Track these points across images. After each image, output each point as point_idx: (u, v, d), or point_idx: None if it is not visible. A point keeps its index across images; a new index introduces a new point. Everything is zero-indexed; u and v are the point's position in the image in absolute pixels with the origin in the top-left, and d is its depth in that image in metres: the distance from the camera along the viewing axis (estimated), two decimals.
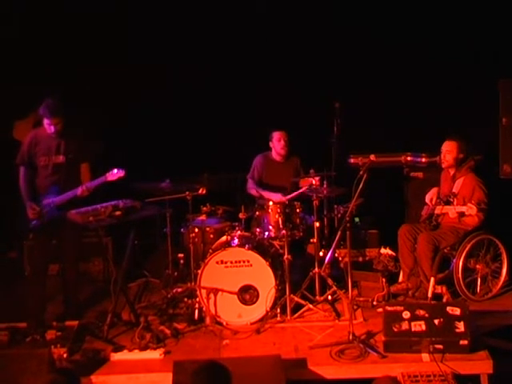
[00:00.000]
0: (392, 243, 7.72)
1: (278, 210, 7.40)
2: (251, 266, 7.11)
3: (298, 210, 7.49)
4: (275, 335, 6.86)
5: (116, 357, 6.44)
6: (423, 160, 8.54)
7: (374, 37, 9.17)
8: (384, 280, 7.48)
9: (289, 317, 7.11)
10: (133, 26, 9.15)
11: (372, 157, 7.20)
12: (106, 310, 7.05)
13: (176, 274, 7.97)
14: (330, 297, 7.44)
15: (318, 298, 7.44)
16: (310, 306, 7.23)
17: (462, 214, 7.36)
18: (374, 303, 7.33)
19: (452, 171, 7.61)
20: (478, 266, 7.50)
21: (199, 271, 7.16)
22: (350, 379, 6.19)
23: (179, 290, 7.63)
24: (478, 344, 6.29)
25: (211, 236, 7.87)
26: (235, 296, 7.11)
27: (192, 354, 6.52)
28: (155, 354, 6.48)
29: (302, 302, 7.25)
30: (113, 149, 8.51)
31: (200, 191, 7.71)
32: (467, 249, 7.40)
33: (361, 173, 6.85)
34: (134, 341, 6.66)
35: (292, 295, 7.17)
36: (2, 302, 7.70)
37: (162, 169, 8.04)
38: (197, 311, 7.13)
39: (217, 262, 7.13)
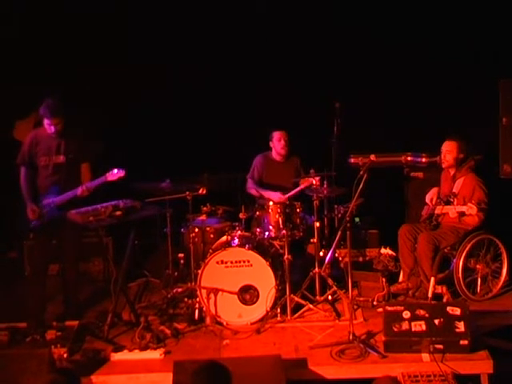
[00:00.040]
0: (392, 243, 7.73)
1: (279, 210, 7.40)
2: (251, 266, 7.11)
3: (298, 210, 7.49)
4: (275, 335, 6.86)
5: (116, 357, 6.44)
6: (423, 160, 8.54)
7: (374, 37, 9.16)
8: (384, 280, 7.48)
9: (289, 317, 7.11)
10: (133, 26, 9.15)
11: (372, 157, 7.19)
12: (106, 310, 7.05)
13: (176, 273, 7.97)
14: (330, 297, 7.44)
15: (318, 298, 7.45)
16: (311, 305, 7.24)
17: (462, 214, 7.36)
18: (374, 303, 7.33)
19: (452, 171, 7.61)
20: (478, 266, 7.50)
21: (199, 271, 7.16)
22: (350, 379, 6.19)
23: (179, 289, 7.63)
24: (478, 344, 6.29)
25: (211, 236, 7.87)
26: (235, 296, 7.11)
27: (192, 354, 6.52)
28: (155, 354, 6.48)
29: (303, 301, 7.25)
30: (113, 149, 8.50)
31: (200, 191, 7.71)
32: (467, 249, 7.40)
33: (361, 173, 6.85)
34: (135, 341, 6.66)
35: (292, 295, 7.17)
36: (2, 301, 7.70)
37: (162, 169, 8.04)
38: (197, 311, 7.13)
39: (217, 262, 7.13)
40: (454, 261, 7.42)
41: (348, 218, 6.95)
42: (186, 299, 7.43)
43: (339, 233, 7.05)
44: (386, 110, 9.21)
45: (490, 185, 7.48)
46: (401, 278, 7.59)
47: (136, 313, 7.07)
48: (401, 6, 9.04)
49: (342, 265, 7.82)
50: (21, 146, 7.24)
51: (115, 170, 7.02)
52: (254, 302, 7.11)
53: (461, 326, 6.25)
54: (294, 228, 7.42)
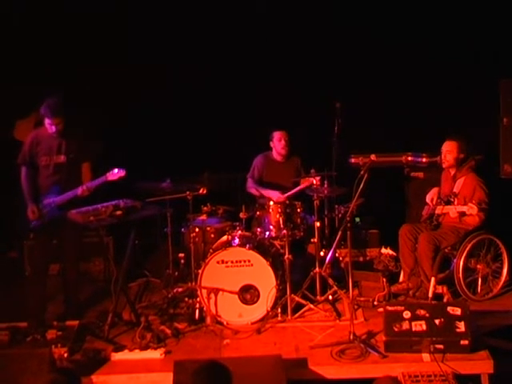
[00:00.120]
0: (393, 243, 7.73)
1: (279, 210, 7.41)
2: (252, 265, 7.11)
3: (298, 210, 7.50)
4: (276, 335, 6.86)
5: (117, 356, 6.44)
6: (424, 160, 8.55)
7: (374, 37, 9.16)
8: (385, 280, 7.48)
9: (289, 317, 7.11)
10: (133, 26, 9.15)
11: (373, 157, 7.18)
12: (106, 310, 7.04)
13: (177, 273, 7.97)
14: (330, 297, 7.44)
15: (318, 297, 7.45)
16: (311, 305, 7.23)
17: (462, 214, 7.36)
18: (375, 303, 7.33)
19: (453, 171, 7.61)
20: (478, 266, 7.50)
21: (200, 271, 7.15)
22: (350, 379, 6.18)
23: (180, 289, 7.63)
24: (478, 344, 6.29)
25: (212, 236, 7.87)
26: (236, 296, 7.11)
27: (193, 353, 6.51)
28: (156, 354, 6.47)
29: (303, 301, 7.25)
30: (113, 149, 8.50)
31: (201, 191, 7.71)
32: (468, 249, 7.40)
33: (361, 173, 6.83)
34: (135, 340, 6.65)
35: (293, 295, 7.16)
36: (2, 301, 7.69)
37: (163, 168, 8.03)
38: (197, 311, 7.12)
39: (217, 262, 7.13)
40: (455, 261, 7.42)
41: (348, 218, 6.93)
42: (186, 299, 7.43)
43: (340, 233, 7.04)
44: (386, 109, 9.22)
45: (490, 185, 7.48)
46: (401, 278, 7.59)
47: (136, 313, 7.06)
48: (401, 6, 9.03)
49: (342, 265, 7.82)
50: (21, 145, 7.24)
51: (116, 170, 7.02)
52: (255, 302, 7.11)
53: (461, 326, 6.25)
54: (294, 228, 7.42)
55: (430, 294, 7.22)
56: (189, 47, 9.30)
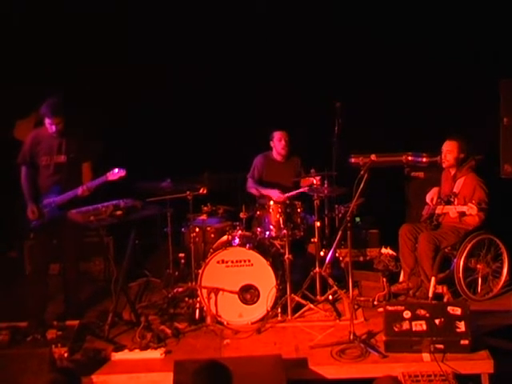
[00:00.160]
0: (393, 243, 7.73)
1: (279, 210, 7.41)
2: (252, 265, 7.11)
3: (298, 210, 7.50)
4: (276, 335, 6.86)
5: (117, 356, 6.44)
6: (424, 160, 8.54)
7: (374, 37, 9.16)
8: (385, 280, 7.49)
9: (289, 316, 7.12)
10: (133, 25, 9.14)
11: (373, 156, 7.18)
12: (106, 310, 7.04)
13: (177, 273, 7.97)
14: (330, 296, 7.45)
15: (318, 297, 7.45)
16: (311, 305, 7.24)
17: (462, 214, 7.36)
18: (375, 303, 7.33)
19: (453, 171, 7.61)
20: (478, 266, 7.50)
21: (200, 271, 7.16)
22: (350, 379, 6.19)
23: (180, 289, 7.63)
24: (478, 344, 6.29)
25: (212, 235, 7.88)
26: (236, 295, 7.11)
27: (193, 353, 6.52)
28: (156, 354, 6.48)
29: (303, 301, 7.25)
30: (113, 149, 8.49)
31: (201, 191, 7.71)
32: (468, 248, 7.41)
33: (361, 172, 6.83)
34: (135, 340, 6.65)
35: (293, 295, 7.17)
36: (2, 301, 7.70)
37: (163, 168, 8.04)
38: (198, 311, 7.13)
39: (217, 262, 7.13)
40: (455, 261, 7.43)
41: (349, 218, 6.93)
42: (186, 299, 7.43)
43: (340, 232, 7.04)
44: (386, 109, 9.21)
45: (490, 185, 7.49)
46: (401, 278, 7.59)
47: (136, 312, 7.07)
48: (401, 6, 9.03)
49: (342, 264, 7.84)
50: (21, 145, 7.23)
51: (116, 170, 7.02)
52: (255, 302, 7.11)
53: (461, 326, 6.25)
54: (294, 228, 7.42)
55: (430, 294, 7.22)
56: (189, 47, 9.29)
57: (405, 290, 7.50)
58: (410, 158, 8.63)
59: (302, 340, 6.72)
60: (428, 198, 7.73)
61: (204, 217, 7.90)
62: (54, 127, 6.96)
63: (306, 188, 7.85)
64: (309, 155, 8.46)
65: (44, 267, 7.24)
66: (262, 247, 7.38)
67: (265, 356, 6.34)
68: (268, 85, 9.16)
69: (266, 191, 8.07)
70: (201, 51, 9.32)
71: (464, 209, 7.27)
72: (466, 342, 6.20)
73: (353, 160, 8.50)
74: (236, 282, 7.11)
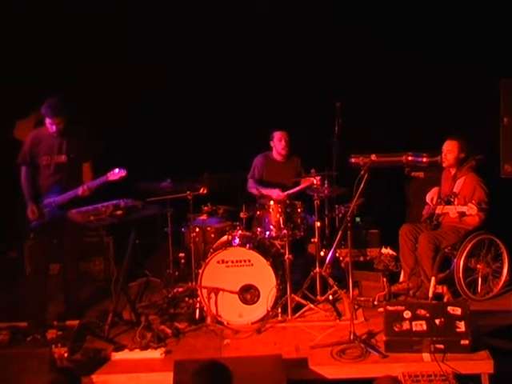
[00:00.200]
0: (393, 243, 7.73)
1: (279, 210, 7.41)
2: (252, 265, 7.11)
3: (299, 210, 7.50)
4: (276, 335, 6.86)
5: (117, 356, 6.44)
6: (424, 160, 8.54)
7: (373, 37, 9.16)
8: (385, 280, 7.49)
9: (290, 316, 7.12)
10: (133, 26, 9.14)
11: (373, 156, 7.18)
12: (106, 310, 7.04)
13: (177, 273, 7.97)
14: (330, 296, 7.45)
15: (318, 297, 7.45)
16: (311, 305, 7.24)
17: (462, 214, 7.36)
18: (375, 303, 7.33)
19: (453, 171, 7.61)
20: (478, 266, 7.50)
21: (200, 271, 7.16)
22: (351, 379, 6.19)
23: (180, 289, 7.64)
24: (478, 344, 6.29)
25: (212, 235, 7.89)
26: (236, 295, 7.11)
27: (193, 353, 6.52)
28: (156, 354, 6.48)
29: (303, 301, 7.25)
30: (113, 149, 8.49)
31: (201, 191, 7.71)
32: (468, 248, 7.41)
33: (362, 172, 6.83)
34: (135, 340, 6.65)
35: (293, 295, 7.17)
36: (2, 301, 7.69)
37: (163, 168, 8.04)
38: (198, 311, 7.13)
39: (218, 262, 7.13)
40: (455, 261, 7.43)
41: (349, 218, 6.92)
42: (186, 299, 7.43)
43: (340, 232, 7.03)
44: (386, 109, 9.20)
45: (490, 185, 7.49)
46: (401, 278, 7.59)
47: (137, 312, 7.06)
48: (401, 6, 9.02)
49: (342, 264, 7.83)
50: (21, 145, 7.23)
51: (116, 170, 7.02)
52: (255, 302, 7.11)
53: (461, 326, 6.25)
54: (294, 228, 7.42)
55: (431, 294, 7.23)
56: (189, 47, 9.29)
57: (405, 290, 7.50)
58: (410, 157, 8.63)
59: (302, 340, 6.72)
60: (428, 198, 7.73)
61: (204, 217, 7.90)
62: (54, 127, 6.96)
63: (305, 185, 7.86)
64: (309, 155, 8.46)
65: (44, 267, 7.24)
66: (262, 247, 7.38)
67: (265, 356, 6.34)
68: (268, 85, 9.16)
69: (266, 191, 8.07)
70: (201, 51, 9.31)
71: (464, 209, 7.27)
72: (466, 342, 6.20)
73: (353, 160, 8.50)
74: (236, 282, 7.10)
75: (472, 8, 8.87)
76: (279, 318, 7.09)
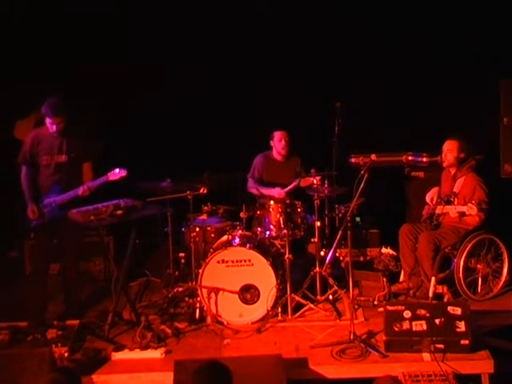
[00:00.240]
0: (393, 243, 7.74)
1: (279, 210, 7.41)
2: (252, 265, 7.12)
3: (299, 210, 7.50)
4: (276, 335, 6.87)
5: (117, 356, 6.44)
6: (424, 160, 8.54)
7: (374, 37, 9.16)
8: (385, 279, 7.49)
9: (290, 316, 7.12)
10: (133, 25, 9.14)
11: (373, 156, 7.18)
12: (106, 310, 7.03)
13: (177, 273, 7.97)
14: (330, 296, 7.45)
15: (319, 297, 7.45)
16: (311, 305, 7.24)
17: (462, 214, 7.36)
18: (375, 303, 7.34)
19: (453, 171, 7.61)
20: (478, 266, 7.51)
21: (200, 270, 7.16)
22: (351, 379, 6.19)
23: (180, 289, 7.64)
24: (478, 344, 6.29)
25: (212, 235, 7.88)
26: (236, 295, 7.11)
27: (193, 353, 6.52)
28: (156, 354, 6.48)
29: (303, 301, 7.26)
30: (113, 149, 8.49)
31: (201, 190, 7.71)
32: (468, 248, 7.41)
33: (362, 172, 6.83)
34: (135, 340, 6.66)
35: (293, 295, 7.17)
36: (2, 301, 7.69)
37: (163, 168, 8.04)
38: (198, 310, 7.13)
39: (218, 262, 7.13)
40: (455, 260, 7.43)
41: (349, 218, 6.91)
42: (186, 298, 7.43)
43: (340, 232, 7.03)
44: (386, 109, 9.20)
45: (490, 185, 7.49)
46: (401, 278, 7.60)
47: (137, 312, 7.07)
48: (401, 6, 9.02)
49: (342, 264, 7.84)
50: (21, 145, 7.23)
51: (117, 170, 7.02)
52: (255, 302, 7.12)
53: (461, 326, 6.25)
54: (294, 227, 7.42)
55: (431, 294, 7.23)
56: (189, 47, 9.29)
57: (405, 289, 7.50)
58: (410, 157, 8.63)
59: (302, 340, 6.72)
60: (428, 198, 7.74)
61: (204, 216, 7.91)
62: (54, 127, 6.96)
63: (297, 182, 7.87)
64: (309, 155, 8.46)
65: (44, 267, 7.24)
66: (263, 247, 7.38)
67: (265, 356, 6.34)
68: (268, 85, 9.16)
69: (266, 191, 8.08)
70: (201, 51, 9.31)
71: (464, 209, 7.27)
72: (466, 341, 6.20)
73: (353, 160, 8.50)
74: (236, 282, 7.11)
75: (472, 8, 8.86)
76: (279, 318, 7.09)
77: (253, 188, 8.27)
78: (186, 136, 9.23)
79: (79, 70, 8.99)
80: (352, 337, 6.48)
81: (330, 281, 7.49)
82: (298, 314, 7.17)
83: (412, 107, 9.14)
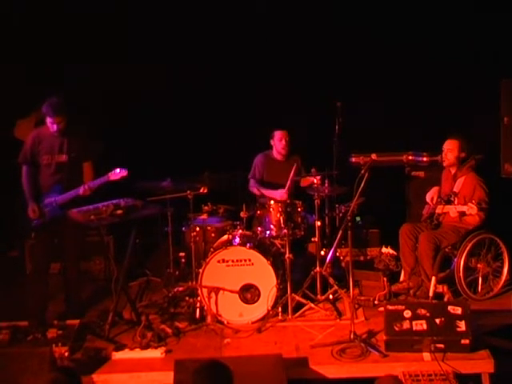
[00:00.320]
0: (393, 242, 7.75)
1: (280, 209, 7.41)
2: (252, 264, 7.11)
3: (299, 209, 7.50)
4: (276, 334, 6.86)
5: (117, 355, 6.44)
6: (424, 159, 8.55)
7: (374, 37, 9.17)
8: (385, 279, 7.50)
9: (290, 316, 7.12)
10: (133, 26, 9.15)
11: (373, 156, 7.19)
12: (107, 309, 7.04)
13: (177, 272, 7.98)
14: (331, 296, 7.45)
15: (319, 297, 7.45)
16: (312, 305, 7.24)
17: (462, 214, 7.36)
18: (376, 302, 7.34)
19: (453, 170, 7.61)
20: (479, 265, 7.51)
21: (200, 270, 7.15)
22: (351, 378, 6.19)
23: (180, 288, 7.64)
24: (479, 343, 6.29)
25: (212, 235, 7.89)
26: (236, 295, 7.11)
27: (193, 352, 6.52)
28: (156, 353, 6.48)
29: (304, 301, 7.26)
30: (113, 149, 8.49)
31: (201, 190, 7.70)
32: (468, 248, 7.41)
33: (362, 172, 6.82)
34: (136, 340, 6.66)
35: (293, 294, 7.17)
36: (3, 300, 7.70)
37: (163, 168, 8.04)
38: (198, 310, 7.13)
39: (218, 261, 7.13)
40: (455, 260, 7.43)
41: (349, 217, 6.91)
42: (187, 298, 7.43)
43: (340, 232, 7.01)
44: (387, 109, 9.20)
45: (491, 184, 7.49)
46: (402, 278, 7.60)
47: (137, 312, 7.06)
48: (401, 6, 9.03)
49: (343, 264, 7.85)
50: (22, 145, 7.24)
51: (117, 170, 7.02)
52: (255, 301, 7.11)
53: (462, 326, 6.25)
54: (295, 227, 7.42)
55: (431, 294, 7.23)
56: (189, 47, 9.29)
57: (405, 289, 7.51)
58: (410, 157, 8.64)
59: (302, 339, 6.72)
60: (428, 198, 7.73)
61: (204, 216, 7.92)
62: (55, 126, 6.97)
63: (293, 174, 7.88)
64: (309, 155, 8.46)
65: (45, 266, 7.24)
66: (263, 246, 7.38)
67: (265, 355, 6.35)
68: (268, 85, 9.16)
69: (268, 193, 8.08)
70: (201, 51, 9.31)
71: (464, 208, 7.27)
72: (467, 341, 6.20)
73: (353, 159, 8.51)
74: (236, 282, 7.10)
75: (472, 8, 8.86)
76: (279, 318, 7.09)
77: (254, 188, 8.27)
78: (186, 136, 9.24)
79: (79, 69, 8.98)
80: (352, 336, 6.48)
81: (331, 280, 7.49)
82: (298, 314, 7.17)
83: (412, 107, 9.14)
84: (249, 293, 7.12)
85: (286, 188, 7.93)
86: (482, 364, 6.15)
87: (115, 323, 6.91)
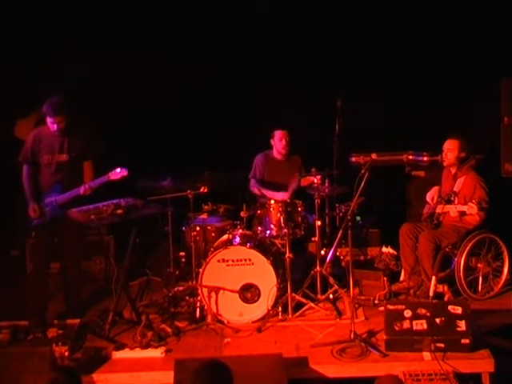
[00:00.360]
0: (393, 242, 7.76)
1: (280, 209, 7.42)
2: (253, 264, 7.11)
3: (299, 209, 7.50)
4: (276, 334, 6.87)
5: (117, 355, 6.45)
6: (425, 159, 8.55)
7: (374, 36, 9.17)
8: (385, 279, 7.50)
9: (290, 315, 7.12)
10: (133, 25, 9.15)
11: (373, 155, 7.19)
12: (107, 309, 7.03)
13: (177, 272, 7.98)
14: (331, 295, 7.45)
15: (319, 296, 7.45)
16: (312, 304, 7.24)
17: (463, 213, 7.36)
18: (376, 302, 7.34)
19: (453, 170, 7.62)
20: (479, 265, 7.51)
21: (201, 270, 7.15)
22: (351, 378, 6.19)
23: (181, 288, 7.64)
24: (479, 343, 6.29)
25: (213, 234, 7.88)
26: (237, 294, 7.11)
27: (193, 352, 6.52)
28: (157, 353, 6.48)
29: (304, 300, 7.25)
30: (113, 149, 8.48)
31: (201, 190, 7.70)
32: (468, 247, 7.41)
33: (362, 171, 6.83)
34: (136, 339, 6.66)
35: (293, 294, 7.17)
36: (3, 300, 7.69)
37: (163, 167, 8.03)
38: (198, 310, 7.13)
39: (218, 261, 7.13)
40: (456, 260, 7.43)
41: (349, 217, 6.92)
42: (187, 298, 7.44)
43: (340, 231, 7.03)
44: (387, 108, 9.20)
45: (491, 184, 7.49)
46: (402, 277, 7.60)
47: (137, 311, 7.07)
48: (401, 6, 9.03)
49: (343, 263, 7.86)
50: (22, 144, 7.24)
51: (118, 169, 7.02)
52: (256, 301, 7.11)
53: (462, 325, 6.25)
54: (295, 227, 7.42)
55: (431, 293, 7.22)
56: (189, 47, 9.29)
57: (405, 289, 7.50)
58: (410, 156, 8.64)
59: (302, 339, 6.72)
60: (428, 197, 7.74)
61: (205, 216, 7.92)
62: (55, 126, 6.97)
63: (299, 180, 7.88)
64: (309, 154, 8.46)
65: (45, 266, 7.25)
66: (263, 246, 7.38)
67: (265, 355, 6.35)
68: (268, 85, 9.16)
69: (270, 194, 8.08)
70: (201, 51, 9.31)
71: (464, 208, 7.27)
72: (467, 341, 6.20)
73: (353, 159, 8.50)
74: (237, 281, 7.11)
75: (472, 8, 8.86)
76: (280, 317, 7.09)
77: (255, 188, 8.26)
78: (187, 135, 9.24)
79: (79, 69, 8.98)
80: (352, 336, 6.48)
81: (331, 280, 7.49)
82: (298, 313, 7.17)
83: (412, 107, 9.14)
84: (249, 292, 7.12)
85: (289, 192, 7.93)
86: (482, 364, 6.15)
87: (115, 323, 6.91)
